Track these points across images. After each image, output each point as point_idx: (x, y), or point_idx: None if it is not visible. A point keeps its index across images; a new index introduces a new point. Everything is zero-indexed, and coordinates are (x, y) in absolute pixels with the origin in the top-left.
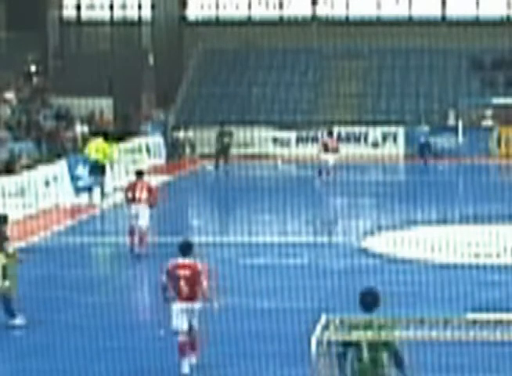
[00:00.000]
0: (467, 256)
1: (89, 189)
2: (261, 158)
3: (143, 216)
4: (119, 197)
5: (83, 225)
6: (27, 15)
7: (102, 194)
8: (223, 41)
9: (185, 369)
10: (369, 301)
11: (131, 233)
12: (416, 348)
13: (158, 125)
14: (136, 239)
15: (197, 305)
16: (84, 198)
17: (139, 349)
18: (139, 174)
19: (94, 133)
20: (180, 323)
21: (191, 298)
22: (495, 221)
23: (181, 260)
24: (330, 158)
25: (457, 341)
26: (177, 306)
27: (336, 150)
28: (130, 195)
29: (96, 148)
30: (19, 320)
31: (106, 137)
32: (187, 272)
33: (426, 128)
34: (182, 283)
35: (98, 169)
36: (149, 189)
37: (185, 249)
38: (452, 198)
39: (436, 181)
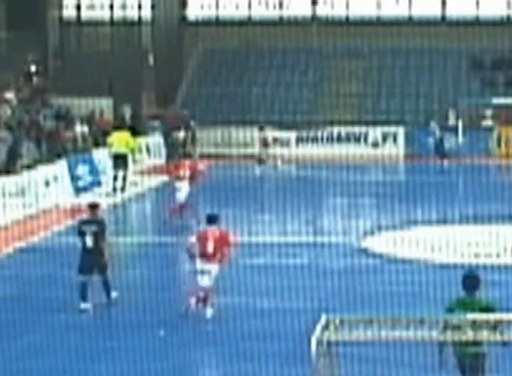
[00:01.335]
0: (467, 256)
1: (114, 178)
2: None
3: (184, 191)
4: (119, 196)
5: None
6: (27, 15)
7: (124, 186)
8: (223, 41)
9: (208, 314)
10: (471, 283)
11: (174, 206)
12: (416, 348)
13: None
14: (171, 211)
15: (216, 267)
16: (84, 198)
17: (139, 349)
18: (187, 156)
19: (119, 127)
20: (200, 279)
21: (212, 259)
22: (495, 221)
23: (208, 228)
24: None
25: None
26: (200, 265)
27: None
28: (175, 173)
29: (119, 140)
30: (85, 305)
31: (133, 131)
32: (212, 238)
33: (437, 127)
34: (207, 246)
35: (121, 161)
36: (193, 168)
37: (212, 219)
38: (452, 198)
39: (436, 181)
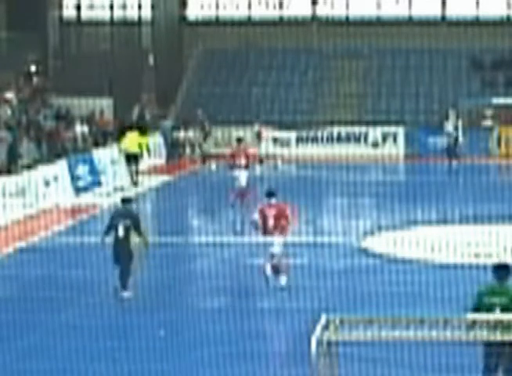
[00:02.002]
0: (467, 256)
1: (131, 175)
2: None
3: (243, 177)
4: (119, 196)
5: (83, 225)
6: (27, 15)
7: (136, 182)
8: (223, 41)
9: (282, 282)
10: (503, 271)
11: (234, 192)
12: (416, 348)
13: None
14: (234, 197)
15: (280, 238)
16: (84, 198)
17: (139, 349)
18: (239, 140)
19: (128, 127)
20: (268, 250)
21: (274, 231)
22: (495, 221)
23: (268, 203)
24: None
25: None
26: (265, 238)
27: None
28: (231, 161)
29: (131, 141)
30: (127, 293)
31: (141, 130)
32: (272, 212)
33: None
34: (268, 220)
35: (133, 159)
36: (247, 155)
37: (270, 194)
38: (452, 198)
39: (436, 181)
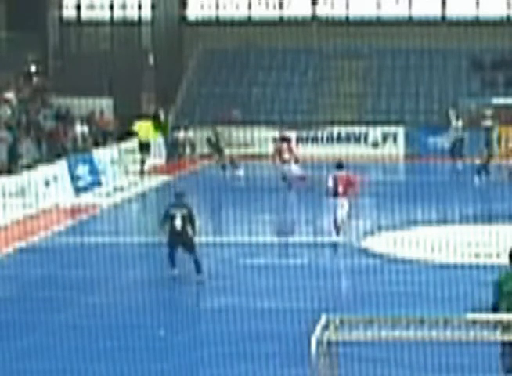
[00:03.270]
0: (467, 256)
1: (142, 162)
2: (261, 158)
3: (294, 168)
4: (119, 196)
5: (83, 225)
6: (27, 15)
7: (142, 172)
8: (223, 41)
9: (340, 239)
10: None
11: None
12: (416, 348)
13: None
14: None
15: (344, 201)
16: (84, 198)
17: (139, 349)
18: (283, 139)
19: (142, 116)
20: (339, 212)
21: (341, 195)
22: (495, 221)
23: (338, 172)
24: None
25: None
26: (336, 200)
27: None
28: (280, 157)
29: (145, 129)
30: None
31: (155, 119)
32: (341, 180)
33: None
34: (339, 186)
35: (144, 147)
36: (290, 151)
37: (340, 166)
38: (452, 198)
39: (436, 181)
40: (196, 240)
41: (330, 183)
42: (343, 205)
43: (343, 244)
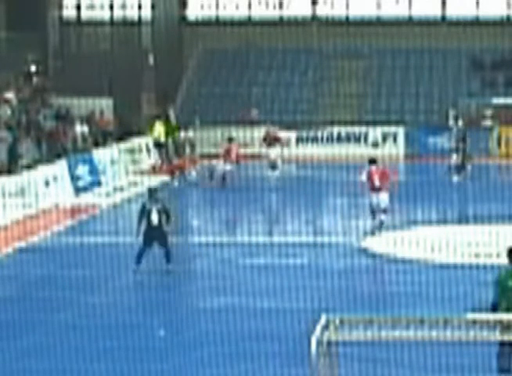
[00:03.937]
0: (467, 256)
1: (169, 161)
2: (261, 158)
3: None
4: (119, 196)
5: (83, 225)
6: (26, 15)
7: (173, 172)
8: (223, 41)
9: (382, 221)
10: None
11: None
12: (416, 348)
13: None
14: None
15: (384, 194)
16: (84, 198)
17: (139, 349)
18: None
19: (157, 116)
20: (375, 205)
21: (380, 189)
22: (495, 221)
23: (372, 167)
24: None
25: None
26: (371, 195)
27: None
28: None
29: (158, 131)
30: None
31: (167, 119)
32: (376, 174)
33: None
34: (374, 181)
35: (160, 146)
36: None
37: (373, 161)
38: (452, 198)
39: (436, 181)
40: (196, 240)
41: (364, 177)
42: (383, 198)
43: (343, 244)
